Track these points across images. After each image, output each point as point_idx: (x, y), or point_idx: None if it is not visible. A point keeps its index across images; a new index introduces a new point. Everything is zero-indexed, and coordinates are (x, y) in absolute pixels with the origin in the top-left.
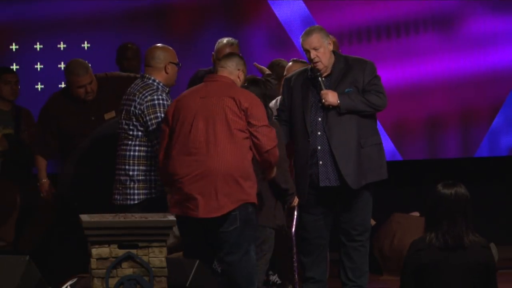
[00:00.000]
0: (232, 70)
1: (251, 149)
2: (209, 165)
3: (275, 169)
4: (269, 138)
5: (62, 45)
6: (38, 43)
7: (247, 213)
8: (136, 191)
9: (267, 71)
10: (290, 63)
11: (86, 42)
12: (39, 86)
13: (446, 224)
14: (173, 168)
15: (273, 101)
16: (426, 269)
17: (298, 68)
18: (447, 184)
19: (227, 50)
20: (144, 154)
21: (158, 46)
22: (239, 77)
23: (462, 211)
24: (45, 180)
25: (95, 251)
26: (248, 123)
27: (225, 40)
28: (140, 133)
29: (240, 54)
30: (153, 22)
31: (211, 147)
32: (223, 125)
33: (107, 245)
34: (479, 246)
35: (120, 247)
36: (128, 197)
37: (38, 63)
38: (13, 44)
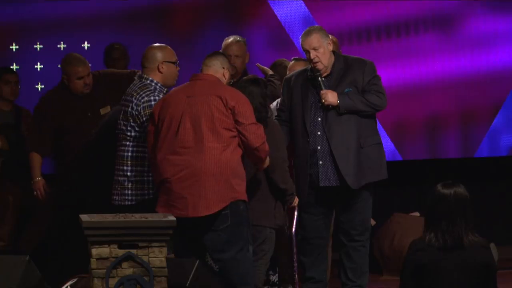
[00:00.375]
0: (217, 69)
1: (239, 146)
2: (197, 164)
3: (267, 160)
4: (257, 135)
5: (62, 45)
6: (38, 43)
7: (238, 211)
8: (133, 192)
9: (270, 72)
10: (292, 62)
11: (86, 42)
12: (39, 86)
13: (446, 224)
14: (161, 168)
15: (275, 102)
16: (425, 269)
17: (301, 66)
18: (447, 184)
19: (234, 48)
20: (141, 155)
21: (152, 46)
22: (224, 76)
23: (461, 211)
24: (39, 179)
25: (95, 251)
26: (236, 121)
27: (231, 37)
28: (137, 134)
29: (247, 52)
30: (153, 22)
31: (198, 147)
32: (210, 124)
33: (107, 245)
34: (479, 246)
35: (120, 247)
36: (126, 197)
37: (38, 63)
38: (13, 44)
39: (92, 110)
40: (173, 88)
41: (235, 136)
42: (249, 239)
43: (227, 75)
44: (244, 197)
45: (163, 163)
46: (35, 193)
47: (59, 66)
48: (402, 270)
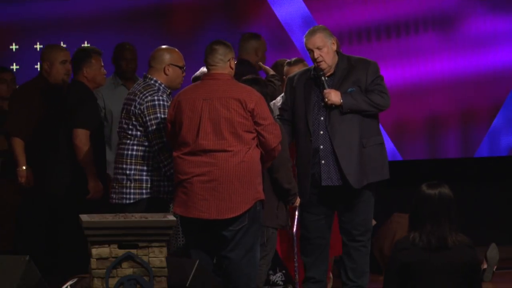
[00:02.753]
0: (223, 65)
1: (257, 146)
2: (221, 167)
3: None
4: (275, 135)
5: (62, 45)
6: (38, 43)
7: (255, 211)
8: (132, 191)
9: (272, 72)
10: (288, 67)
11: (86, 42)
12: None
13: (430, 225)
14: (180, 167)
15: (273, 101)
16: (409, 268)
17: (298, 69)
18: (431, 185)
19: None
20: (141, 154)
21: (161, 47)
22: (231, 67)
23: (446, 211)
24: (25, 167)
25: (95, 251)
26: (255, 122)
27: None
28: (139, 133)
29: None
30: (153, 22)
31: (221, 150)
32: (232, 128)
33: (107, 245)
34: (463, 245)
35: (120, 247)
36: (124, 196)
37: (38, 63)
38: (13, 44)
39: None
40: (184, 88)
41: (255, 137)
42: (259, 240)
43: (232, 64)
44: (263, 196)
45: (183, 163)
46: (22, 180)
47: None
48: (386, 268)
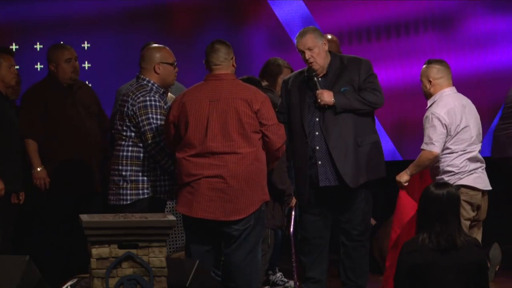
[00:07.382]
0: (227, 64)
1: (262, 148)
2: (231, 169)
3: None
4: (279, 136)
5: (64, 44)
6: (38, 43)
7: (260, 211)
8: (128, 191)
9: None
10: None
11: (86, 42)
12: None
13: (439, 225)
14: (186, 169)
15: None
16: (419, 270)
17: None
18: (439, 185)
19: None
20: (136, 154)
21: (149, 46)
22: (233, 65)
23: (454, 211)
24: (40, 169)
25: (95, 251)
26: (260, 123)
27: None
28: (133, 134)
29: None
30: (153, 22)
31: (231, 152)
32: (240, 130)
33: (107, 245)
34: (472, 245)
35: (120, 247)
36: (121, 197)
37: (38, 63)
38: (13, 44)
39: (82, 106)
40: (187, 89)
41: (260, 138)
42: (261, 240)
43: (234, 62)
44: (268, 197)
45: (190, 165)
46: (37, 182)
47: None
48: (396, 271)
